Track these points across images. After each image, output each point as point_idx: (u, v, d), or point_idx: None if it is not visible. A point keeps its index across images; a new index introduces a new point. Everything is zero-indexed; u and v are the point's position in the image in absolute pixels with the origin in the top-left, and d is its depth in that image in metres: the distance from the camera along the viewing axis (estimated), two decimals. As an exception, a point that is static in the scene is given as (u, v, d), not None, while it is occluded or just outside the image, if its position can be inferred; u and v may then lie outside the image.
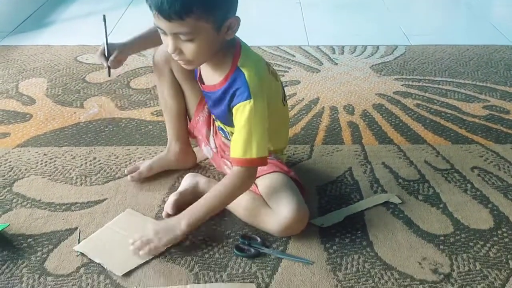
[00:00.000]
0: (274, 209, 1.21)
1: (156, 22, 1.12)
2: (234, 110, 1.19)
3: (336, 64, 2.32)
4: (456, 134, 1.75)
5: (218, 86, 1.23)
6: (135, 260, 1.17)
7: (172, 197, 1.31)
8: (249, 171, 1.19)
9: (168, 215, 1.28)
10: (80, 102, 1.93)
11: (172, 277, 1.14)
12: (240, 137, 1.17)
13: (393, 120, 1.84)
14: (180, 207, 1.27)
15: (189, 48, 1.13)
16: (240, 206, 1.26)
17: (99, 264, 1.16)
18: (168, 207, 1.29)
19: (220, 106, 1.26)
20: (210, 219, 1.26)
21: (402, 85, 2.11)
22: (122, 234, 1.24)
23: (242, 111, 1.16)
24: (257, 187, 1.27)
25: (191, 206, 1.21)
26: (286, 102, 1.41)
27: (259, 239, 1.24)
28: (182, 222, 1.18)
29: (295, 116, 1.85)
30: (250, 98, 1.15)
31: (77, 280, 1.13)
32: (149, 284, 1.12)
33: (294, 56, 2.39)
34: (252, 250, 1.21)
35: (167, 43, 1.14)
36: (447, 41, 2.56)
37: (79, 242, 1.22)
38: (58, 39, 2.51)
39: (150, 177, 1.46)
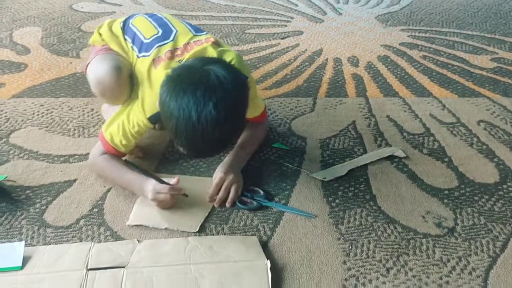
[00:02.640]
0: None
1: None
2: None
3: (340, 14, 2.24)
4: (463, 87, 1.71)
5: None
6: (202, 213, 1.16)
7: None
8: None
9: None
10: (76, 52, 1.87)
11: (173, 230, 1.13)
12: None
13: (398, 72, 1.79)
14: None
15: None
16: None
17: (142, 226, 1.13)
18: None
19: None
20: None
21: (408, 36, 2.05)
22: (179, 196, 1.18)
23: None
24: None
25: (239, 146, 1.29)
26: None
27: (262, 192, 1.22)
28: (242, 161, 1.28)
29: (298, 68, 1.80)
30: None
31: (77, 231, 1.12)
32: (151, 237, 1.11)
33: (297, 6, 2.31)
34: (255, 203, 1.19)
35: None
36: (456, -9, 2.47)
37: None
38: (52, -14, 2.42)
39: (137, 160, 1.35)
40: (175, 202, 1.17)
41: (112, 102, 1.34)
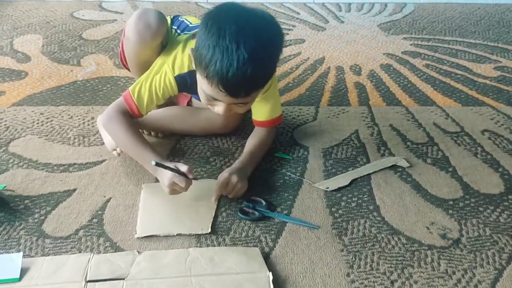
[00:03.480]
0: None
1: (212, 93, 1.12)
2: None
3: (343, 22, 2.23)
4: (466, 96, 1.69)
5: None
6: (209, 214, 1.17)
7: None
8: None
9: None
10: (77, 59, 1.86)
11: (174, 240, 1.11)
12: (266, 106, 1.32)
13: (401, 80, 1.78)
14: None
15: (241, 109, 1.21)
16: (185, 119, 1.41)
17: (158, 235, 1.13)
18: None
19: None
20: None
21: (411, 44, 2.04)
22: (169, 198, 1.19)
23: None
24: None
25: (249, 154, 1.30)
26: None
27: (264, 202, 1.21)
28: (250, 168, 1.27)
29: (300, 77, 1.79)
30: None
31: (76, 242, 1.10)
32: (151, 248, 1.09)
33: (299, 14, 2.30)
34: (256, 214, 1.18)
35: (218, 108, 1.16)
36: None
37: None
38: (54, -6, 2.42)
39: (152, 138, 1.42)
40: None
41: (137, 47, 1.31)
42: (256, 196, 1.23)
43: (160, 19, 1.28)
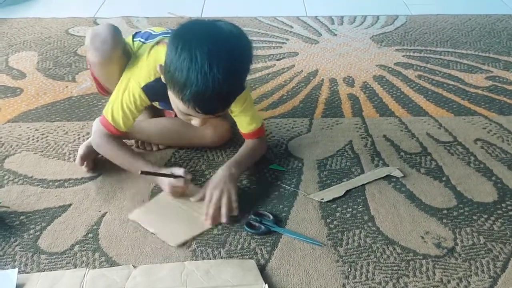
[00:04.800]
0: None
1: (188, 112, 1.14)
2: None
3: (335, 35, 2.26)
4: (459, 106, 1.71)
5: None
6: (190, 231, 1.17)
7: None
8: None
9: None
10: (72, 75, 1.87)
11: (169, 254, 1.11)
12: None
13: (394, 92, 1.79)
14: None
15: (217, 119, 1.28)
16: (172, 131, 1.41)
17: (152, 231, 1.16)
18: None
19: None
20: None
21: (403, 56, 2.06)
22: (179, 206, 1.24)
23: (238, 100, 1.23)
24: None
25: (235, 160, 1.30)
26: None
27: (271, 217, 1.20)
28: (235, 171, 1.26)
29: (294, 89, 1.81)
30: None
31: (71, 257, 1.10)
32: (146, 262, 1.09)
33: (292, 27, 2.32)
34: (263, 227, 1.17)
35: (194, 121, 1.18)
36: (449, 11, 2.50)
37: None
38: (49, 12, 2.44)
39: (148, 151, 1.43)
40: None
41: (102, 66, 1.30)
42: (250, 208, 1.23)
43: (110, 29, 1.26)
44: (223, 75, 1.04)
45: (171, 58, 1.08)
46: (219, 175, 1.25)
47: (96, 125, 1.33)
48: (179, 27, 1.12)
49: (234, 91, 1.13)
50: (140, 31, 1.42)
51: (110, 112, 1.26)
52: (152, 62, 1.24)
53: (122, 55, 1.30)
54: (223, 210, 1.19)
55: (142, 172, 1.17)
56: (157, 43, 1.29)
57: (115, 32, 1.27)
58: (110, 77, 1.32)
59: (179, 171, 1.21)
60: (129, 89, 1.25)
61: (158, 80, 1.21)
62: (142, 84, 1.24)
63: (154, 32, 1.37)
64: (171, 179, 1.20)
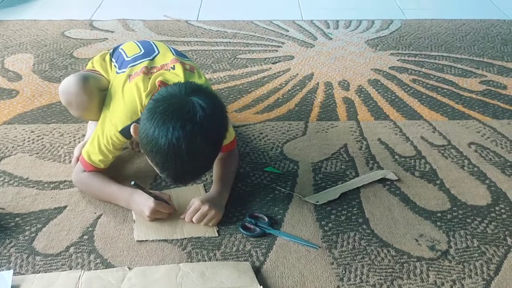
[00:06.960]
0: None
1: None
2: None
3: (331, 39, 2.27)
4: (453, 110, 1.72)
5: None
6: (160, 234, 1.17)
7: None
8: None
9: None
10: (68, 78, 1.87)
11: (164, 256, 1.11)
12: None
13: (389, 95, 1.80)
14: None
15: None
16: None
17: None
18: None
19: None
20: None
21: (398, 60, 2.08)
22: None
23: None
24: None
25: (220, 181, 1.27)
26: None
27: (266, 219, 1.21)
28: (226, 195, 1.26)
29: (289, 92, 1.81)
30: None
31: (66, 259, 1.10)
32: (141, 263, 1.09)
33: (288, 31, 2.33)
34: (258, 230, 1.18)
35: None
36: (443, 16, 2.52)
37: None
38: (45, 14, 2.44)
39: (141, 154, 1.43)
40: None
41: (81, 113, 1.33)
42: (246, 210, 1.24)
43: (79, 82, 1.26)
44: (201, 152, 1.05)
45: (148, 131, 1.04)
46: (214, 195, 1.23)
47: (78, 168, 1.29)
48: (153, 101, 1.08)
49: (211, 162, 1.14)
50: (117, 48, 1.40)
51: (89, 156, 1.25)
52: (128, 103, 1.21)
53: (99, 92, 1.29)
54: (204, 222, 1.19)
55: (135, 184, 1.15)
56: (129, 76, 1.26)
57: (84, 82, 1.26)
58: (94, 115, 1.31)
59: (164, 196, 1.21)
60: (105, 133, 1.23)
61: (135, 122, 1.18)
62: (119, 128, 1.21)
63: (127, 56, 1.33)
64: (157, 204, 1.17)
